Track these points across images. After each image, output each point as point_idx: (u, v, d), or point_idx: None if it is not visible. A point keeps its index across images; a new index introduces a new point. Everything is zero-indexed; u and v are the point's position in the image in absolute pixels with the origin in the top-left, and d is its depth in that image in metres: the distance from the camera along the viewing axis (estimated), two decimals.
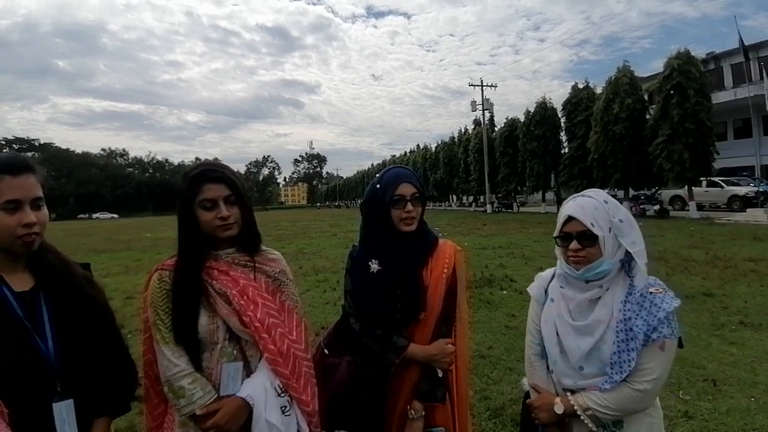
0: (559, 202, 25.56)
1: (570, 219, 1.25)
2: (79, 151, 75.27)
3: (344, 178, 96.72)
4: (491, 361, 3.58)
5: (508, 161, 29.00)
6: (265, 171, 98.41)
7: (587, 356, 1.23)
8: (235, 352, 1.24)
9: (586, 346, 1.22)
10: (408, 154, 55.69)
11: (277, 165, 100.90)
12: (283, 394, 1.24)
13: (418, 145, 55.43)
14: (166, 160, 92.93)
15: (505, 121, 30.88)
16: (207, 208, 1.22)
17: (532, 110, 26.49)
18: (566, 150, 24.56)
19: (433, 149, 44.80)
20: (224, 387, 1.22)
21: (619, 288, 1.25)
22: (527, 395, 1.40)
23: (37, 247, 1.08)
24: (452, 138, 40.26)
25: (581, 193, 1.30)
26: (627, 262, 1.26)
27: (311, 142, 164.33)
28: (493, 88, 34.35)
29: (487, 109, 33.55)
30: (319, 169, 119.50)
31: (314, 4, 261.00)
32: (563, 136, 25.32)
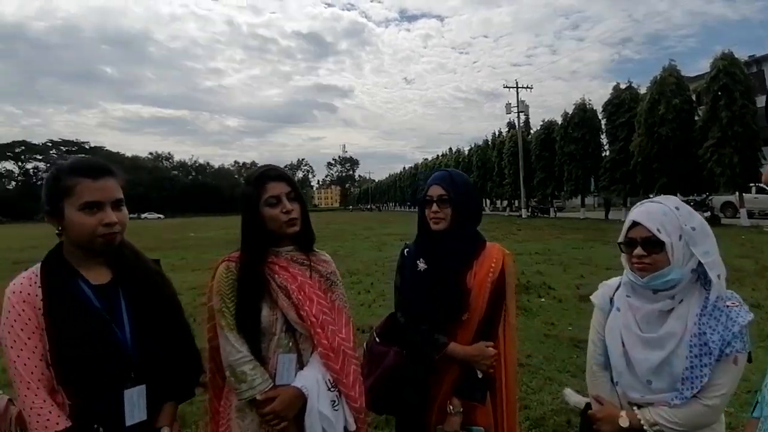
0: (606, 207, 24.77)
1: (635, 224, 1.22)
2: (129, 154, 79.69)
3: (376, 181, 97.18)
4: (530, 370, 3.53)
5: (545, 165, 28.15)
6: (300, 174, 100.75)
7: (656, 370, 1.19)
8: (290, 343, 1.32)
9: (656, 359, 1.18)
10: (440, 158, 55.24)
11: (311, 168, 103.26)
12: (333, 389, 1.30)
13: (450, 149, 54.90)
14: (208, 164, 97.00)
15: (541, 123, 30.06)
16: (272, 205, 1.31)
17: (570, 112, 25.65)
18: (607, 153, 23.60)
19: (466, 152, 44.28)
20: (279, 376, 1.29)
21: (694, 300, 1.19)
22: (588, 406, 1.38)
23: (117, 244, 1.17)
24: (486, 141, 39.60)
25: (651, 198, 1.28)
26: (703, 274, 1.20)
27: (344, 146, 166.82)
28: (528, 89, 33.55)
29: (522, 112, 32.79)
30: (351, 172, 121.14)
31: (348, 10, 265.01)
32: (603, 139, 24.35)
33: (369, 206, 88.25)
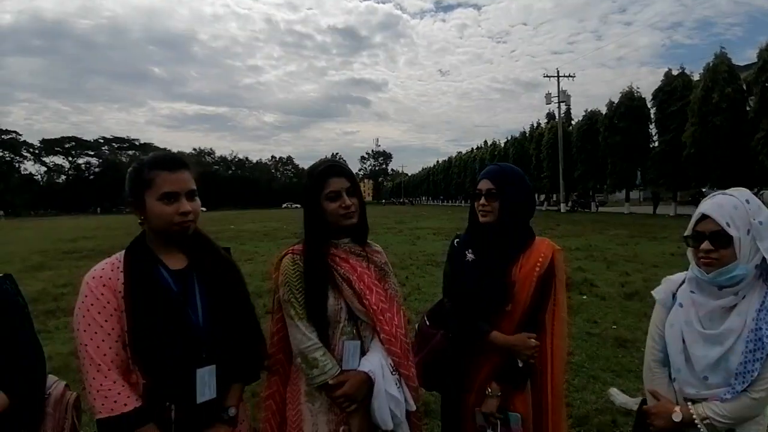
0: (654, 201, 23.37)
1: (704, 217, 1.18)
2: (174, 150, 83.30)
3: (409, 175, 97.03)
4: (572, 368, 3.42)
5: (586, 157, 27.06)
6: None
7: (713, 366, 1.19)
8: (354, 331, 1.38)
9: (714, 355, 1.18)
10: (474, 151, 54.35)
11: (345, 162, 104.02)
12: (394, 372, 1.37)
13: (485, 141, 53.86)
14: (246, 158, 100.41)
15: (583, 113, 28.85)
16: (332, 199, 1.36)
17: (616, 101, 24.41)
18: (656, 144, 22.30)
19: (502, 145, 43.26)
20: (345, 362, 1.35)
21: (755, 296, 1.17)
22: (644, 402, 1.38)
23: (191, 232, 1.24)
24: (523, 133, 38.54)
25: (722, 190, 1.23)
26: (766, 270, 1.17)
27: (377, 140, 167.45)
28: (570, 78, 32.20)
29: (563, 101, 31.54)
30: (384, 166, 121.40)
31: (383, 2, 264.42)
32: (652, 129, 23.01)
33: (402, 200, 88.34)
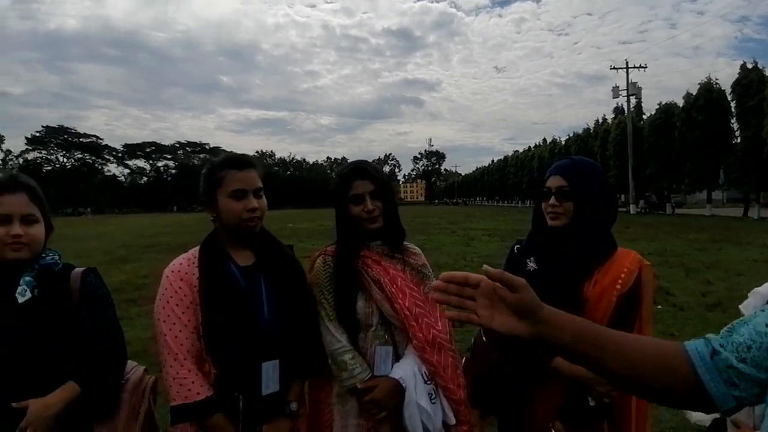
0: (745, 203, 20.82)
1: None
2: (240, 153, 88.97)
3: (462, 174, 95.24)
4: None
5: (660, 154, 24.80)
6: (386, 169, 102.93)
7: None
8: (386, 336, 1.34)
9: None
10: (532, 149, 52.04)
11: (398, 162, 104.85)
12: (429, 382, 1.30)
13: (544, 139, 51.36)
14: (303, 160, 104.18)
15: (656, 107, 26.51)
16: (355, 202, 1.34)
17: (694, 93, 22.15)
18: (738, 140, 19.99)
19: (563, 143, 41.00)
20: (377, 367, 1.32)
21: None
22: (715, 422, 1.25)
23: (258, 229, 1.29)
24: (586, 129, 36.19)
25: None
26: None
27: (430, 139, 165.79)
28: (641, 69, 29.71)
29: (633, 95, 29.18)
30: (437, 166, 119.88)
31: (437, 1, 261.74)
32: (734, 124, 20.64)
33: (455, 200, 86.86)
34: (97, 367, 1.16)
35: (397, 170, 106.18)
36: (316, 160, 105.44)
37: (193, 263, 1.25)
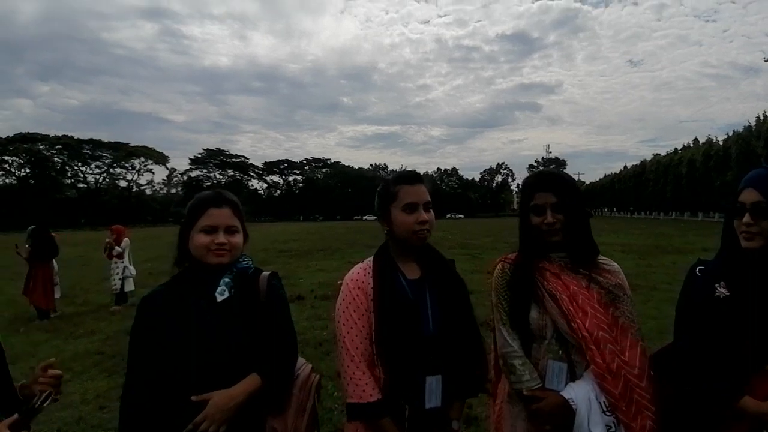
0: None
1: None
2: (356, 167, 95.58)
3: (586, 183, 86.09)
4: None
5: None
6: (499, 178, 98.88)
7: None
8: (561, 352, 1.29)
9: None
10: (679, 152, 44.56)
11: (511, 172, 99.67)
12: (609, 413, 1.21)
13: (696, 139, 43.57)
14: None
15: None
16: (536, 213, 1.32)
17: None
18: None
19: (720, 143, 34.32)
20: (549, 381, 1.29)
21: None
22: None
23: (425, 243, 1.35)
24: (748, 127, 29.68)
25: None
26: None
27: (548, 146, 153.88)
28: None
29: None
30: None
31: None
32: None
33: None
34: (277, 362, 1.24)
35: (510, 179, 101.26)
36: (427, 171, 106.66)
37: (368, 273, 1.34)
